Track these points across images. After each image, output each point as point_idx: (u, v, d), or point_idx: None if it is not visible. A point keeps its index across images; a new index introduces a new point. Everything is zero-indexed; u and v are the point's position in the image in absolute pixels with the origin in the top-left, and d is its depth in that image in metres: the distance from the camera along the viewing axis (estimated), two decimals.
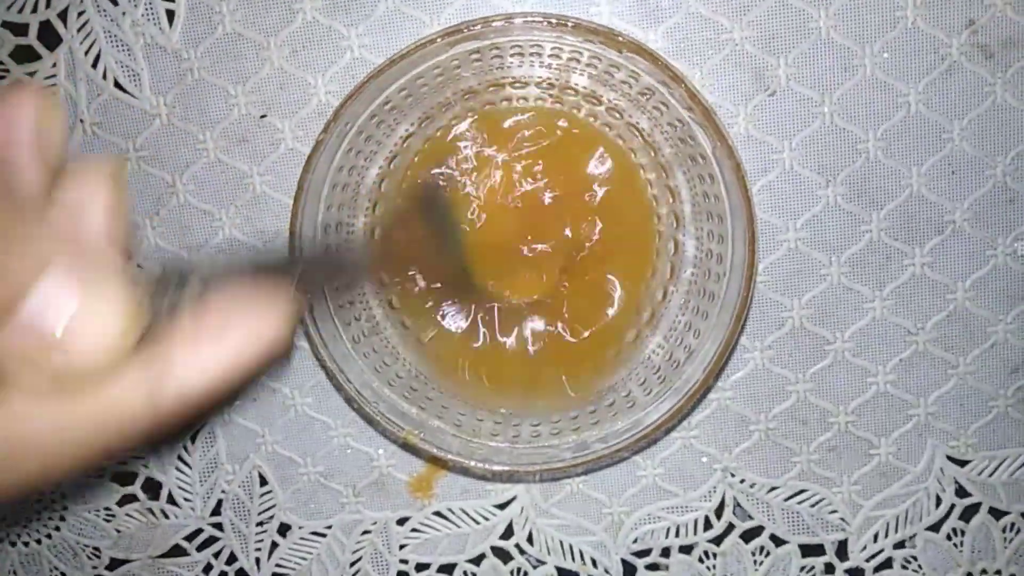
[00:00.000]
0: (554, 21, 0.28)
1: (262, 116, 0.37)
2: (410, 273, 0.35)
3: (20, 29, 0.37)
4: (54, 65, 0.37)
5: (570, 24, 0.28)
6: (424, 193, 0.35)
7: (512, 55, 0.31)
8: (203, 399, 0.17)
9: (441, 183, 0.34)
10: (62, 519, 0.42)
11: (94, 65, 0.37)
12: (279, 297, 0.17)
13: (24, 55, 0.37)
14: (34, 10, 0.37)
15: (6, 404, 0.15)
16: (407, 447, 0.38)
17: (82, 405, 0.16)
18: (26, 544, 0.42)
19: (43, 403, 0.15)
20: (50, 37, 0.37)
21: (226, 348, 0.17)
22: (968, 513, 0.40)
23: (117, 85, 0.37)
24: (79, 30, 0.37)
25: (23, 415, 0.15)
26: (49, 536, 0.42)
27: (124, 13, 0.36)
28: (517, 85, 0.33)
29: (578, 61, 0.31)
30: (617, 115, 0.34)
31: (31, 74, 0.37)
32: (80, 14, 0.36)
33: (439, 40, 0.28)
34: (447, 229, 0.35)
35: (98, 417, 0.16)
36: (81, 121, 0.37)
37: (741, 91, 0.36)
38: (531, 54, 0.31)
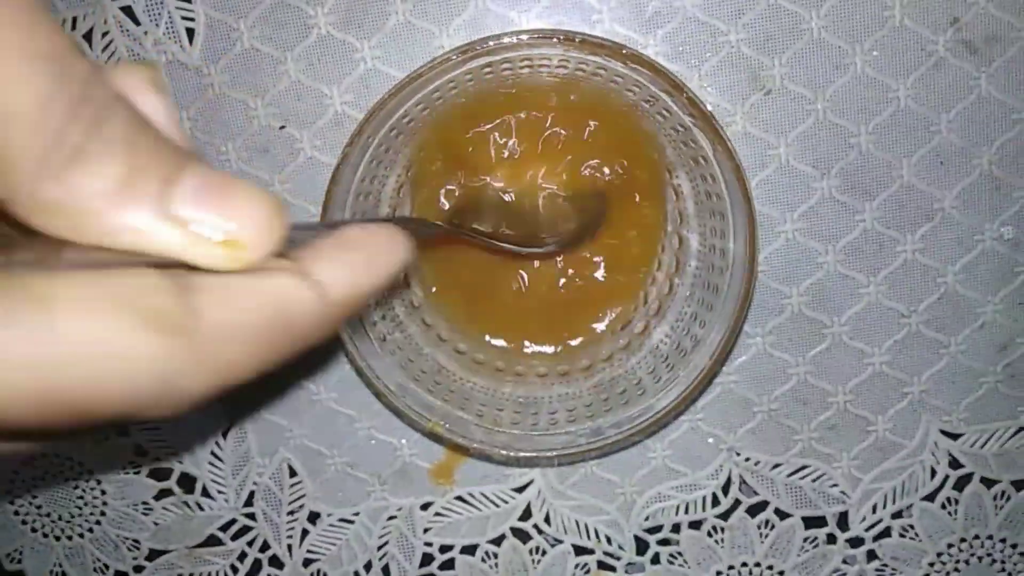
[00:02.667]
0: (562, 37, 0.29)
1: (281, 127, 0.39)
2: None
3: None
4: None
5: (577, 40, 0.30)
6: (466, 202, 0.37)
7: (523, 67, 0.32)
8: (356, 307, 0.17)
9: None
10: (103, 514, 0.44)
11: None
12: (392, 228, 0.18)
13: None
14: None
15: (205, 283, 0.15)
16: (432, 436, 0.40)
17: (253, 292, 0.15)
18: (69, 538, 0.44)
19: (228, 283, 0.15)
20: None
21: (368, 257, 0.17)
22: (961, 483, 0.42)
23: None
24: (104, 50, 0.38)
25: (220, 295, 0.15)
26: (91, 530, 0.44)
27: (146, 32, 0.38)
28: (527, 93, 0.35)
29: (584, 71, 0.33)
30: (622, 119, 0.35)
31: None
32: (104, 34, 0.38)
33: (454, 58, 0.30)
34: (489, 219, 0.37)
35: (271, 304, 0.15)
36: None
37: (738, 91, 0.38)
38: (540, 65, 0.32)
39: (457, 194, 0.37)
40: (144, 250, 0.14)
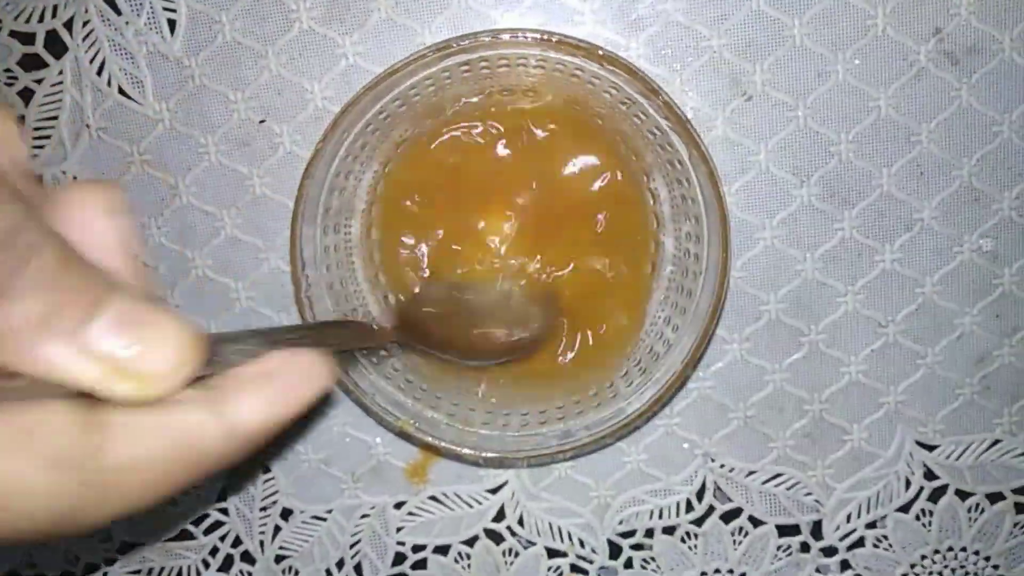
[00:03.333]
0: (538, 37, 0.29)
1: (261, 121, 0.39)
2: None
3: (27, 38, 0.38)
4: (60, 73, 0.38)
5: (554, 39, 0.30)
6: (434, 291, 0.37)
7: (500, 66, 0.32)
8: (267, 437, 0.18)
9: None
10: None
11: (99, 72, 0.38)
12: (318, 353, 0.19)
13: (31, 63, 0.38)
14: (40, 20, 0.38)
15: (115, 420, 0.16)
16: (403, 436, 0.40)
17: (160, 427, 0.16)
18: None
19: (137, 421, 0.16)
20: (56, 46, 0.38)
21: (285, 389, 0.18)
22: (936, 495, 0.42)
23: (121, 92, 0.39)
24: (84, 39, 0.38)
25: (132, 432, 0.16)
26: None
27: (127, 22, 0.38)
28: (505, 92, 0.35)
29: (562, 72, 0.32)
30: (599, 121, 0.35)
31: (38, 81, 0.39)
32: (85, 23, 0.38)
33: (431, 55, 0.29)
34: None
35: (177, 438, 0.16)
36: (87, 126, 0.39)
37: (719, 96, 0.38)
38: (518, 65, 0.32)
39: (410, 295, 0.37)
40: (57, 381, 0.15)
